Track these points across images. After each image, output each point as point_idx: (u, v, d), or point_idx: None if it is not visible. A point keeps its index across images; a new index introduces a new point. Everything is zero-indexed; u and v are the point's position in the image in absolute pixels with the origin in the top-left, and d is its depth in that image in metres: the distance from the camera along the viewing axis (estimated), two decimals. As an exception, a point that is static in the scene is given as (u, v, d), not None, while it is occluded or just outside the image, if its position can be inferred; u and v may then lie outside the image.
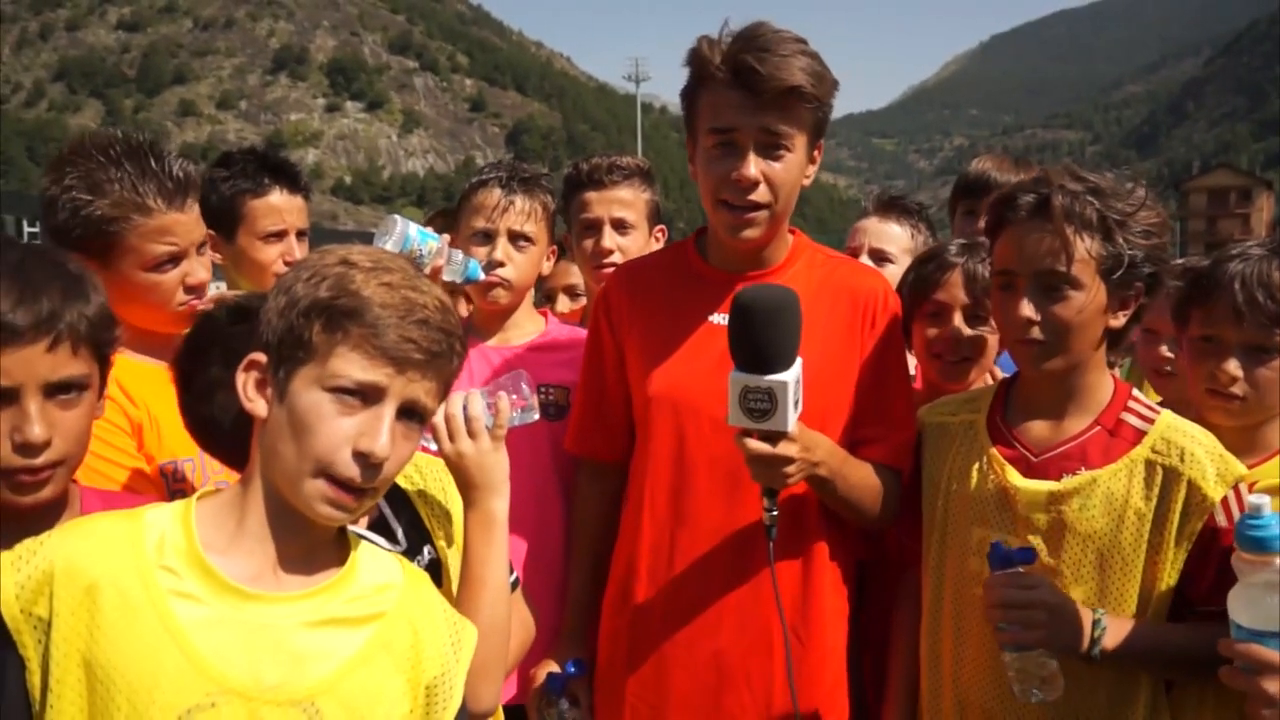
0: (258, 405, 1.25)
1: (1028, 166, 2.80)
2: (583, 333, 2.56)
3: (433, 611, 1.35)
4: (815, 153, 1.92)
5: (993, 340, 2.22)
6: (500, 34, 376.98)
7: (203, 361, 1.44)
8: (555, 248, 2.54)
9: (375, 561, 1.34)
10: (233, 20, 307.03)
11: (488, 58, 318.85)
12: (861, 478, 1.91)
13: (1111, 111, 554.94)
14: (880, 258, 2.67)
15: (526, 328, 2.51)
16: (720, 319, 1.92)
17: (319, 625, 1.23)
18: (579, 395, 2.17)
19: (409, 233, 2.12)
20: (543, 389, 2.34)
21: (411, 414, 1.25)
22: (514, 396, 1.61)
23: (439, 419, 1.55)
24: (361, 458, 1.20)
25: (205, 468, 1.92)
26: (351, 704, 1.21)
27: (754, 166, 1.81)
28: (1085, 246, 1.66)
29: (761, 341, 1.61)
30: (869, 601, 2.12)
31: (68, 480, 1.41)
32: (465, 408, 1.56)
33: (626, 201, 2.69)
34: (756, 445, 1.67)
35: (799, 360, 1.65)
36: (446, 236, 2.22)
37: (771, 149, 1.83)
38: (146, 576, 1.17)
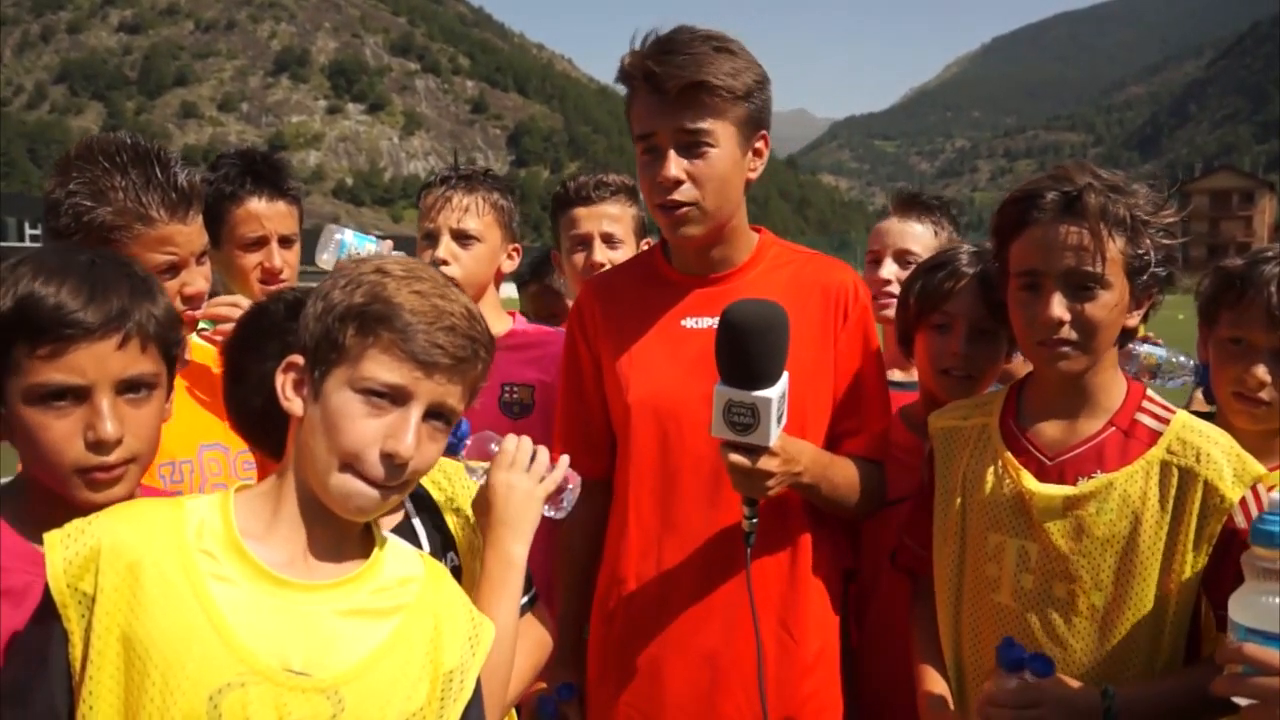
0: (294, 404, 1.30)
1: None
2: (549, 331, 2.58)
3: (454, 605, 1.39)
4: (759, 144, 1.93)
5: (1002, 358, 2.18)
6: (502, 36, 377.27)
7: (257, 355, 1.45)
8: (517, 246, 2.51)
9: (398, 555, 1.38)
10: (234, 22, 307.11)
11: (489, 59, 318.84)
12: (845, 477, 1.94)
13: (1113, 113, 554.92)
14: (905, 259, 2.58)
15: (495, 327, 2.48)
16: (692, 322, 1.96)
17: (346, 615, 1.27)
18: (560, 414, 2.16)
19: (344, 239, 2.11)
20: (507, 387, 2.40)
21: (438, 415, 1.29)
22: (562, 497, 1.62)
23: (509, 443, 1.60)
24: (387, 458, 1.24)
25: (204, 470, 1.95)
26: (373, 693, 1.25)
27: (674, 166, 1.84)
28: (1116, 246, 1.64)
29: (748, 358, 1.63)
30: (864, 611, 2.14)
31: (139, 478, 1.43)
32: (535, 451, 1.59)
33: (614, 216, 2.71)
34: (739, 459, 1.69)
35: (785, 375, 1.66)
36: (388, 242, 2.23)
37: (692, 147, 1.84)
38: (186, 559, 1.21)
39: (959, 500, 1.83)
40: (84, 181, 1.78)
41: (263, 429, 1.46)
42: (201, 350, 2.07)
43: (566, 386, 2.14)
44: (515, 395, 2.39)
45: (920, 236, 2.59)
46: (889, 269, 2.52)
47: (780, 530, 1.93)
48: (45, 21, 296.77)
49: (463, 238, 2.36)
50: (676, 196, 1.85)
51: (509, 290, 2.92)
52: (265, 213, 2.29)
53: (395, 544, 1.40)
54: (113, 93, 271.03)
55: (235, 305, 1.99)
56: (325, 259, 2.17)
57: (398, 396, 1.25)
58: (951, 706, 1.81)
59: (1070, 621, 1.68)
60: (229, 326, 1.86)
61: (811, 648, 1.96)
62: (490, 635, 1.41)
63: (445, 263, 2.33)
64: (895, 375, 2.37)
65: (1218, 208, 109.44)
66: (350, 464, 1.24)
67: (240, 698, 1.17)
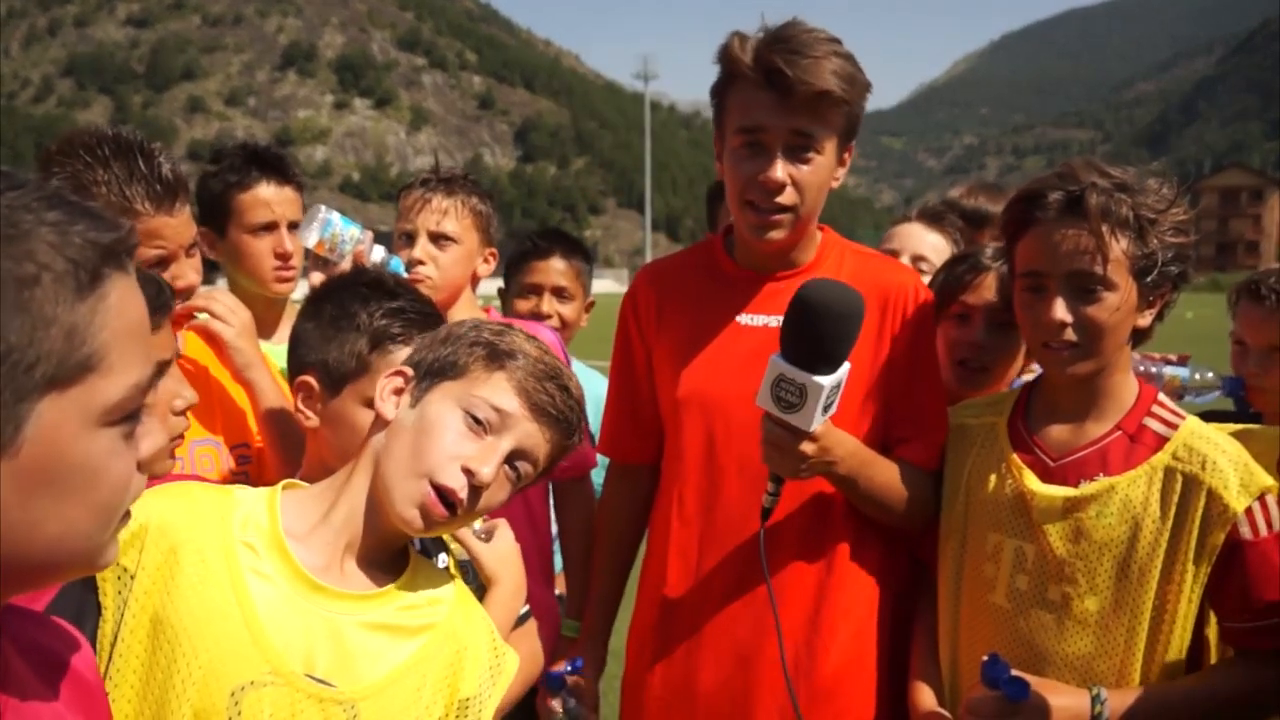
0: (387, 407, 1.32)
1: (993, 193, 2.94)
2: (515, 324, 2.90)
3: (478, 633, 1.39)
4: (845, 155, 1.92)
5: (1018, 352, 2.18)
6: (509, 31, 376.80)
7: (329, 296, 1.65)
8: (494, 250, 2.51)
9: (429, 576, 1.38)
10: (241, 16, 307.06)
11: (496, 55, 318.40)
12: (887, 479, 1.89)
13: (1122, 110, 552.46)
14: (919, 264, 2.59)
15: None
16: (748, 319, 1.94)
17: (372, 628, 1.27)
18: (611, 397, 2.17)
19: (330, 219, 2.18)
20: None
21: (516, 463, 1.31)
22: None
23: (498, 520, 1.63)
24: (468, 474, 1.26)
25: (195, 465, 1.94)
26: (388, 710, 1.25)
27: (781, 169, 1.81)
28: (1120, 247, 1.62)
29: (813, 338, 1.59)
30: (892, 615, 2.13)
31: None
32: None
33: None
34: (776, 433, 1.67)
35: (846, 366, 1.63)
36: (370, 233, 2.29)
37: (800, 151, 1.82)
38: (228, 549, 1.21)
39: (962, 498, 1.83)
40: (66, 176, 1.74)
41: (295, 341, 1.62)
42: (195, 345, 2.04)
43: (618, 370, 2.14)
44: None
45: (936, 245, 2.57)
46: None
47: (819, 531, 1.92)
48: (52, 15, 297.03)
49: (440, 239, 2.38)
50: (780, 200, 1.83)
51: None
52: (274, 198, 2.30)
53: (428, 565, 1.41)
54: (120, 87, 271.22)
55: (211, 298, 1.98)
56: (308, 236, 2.19)
57: (498, 424, 1.29)
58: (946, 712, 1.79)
59: (1063, 624, 1.67)
60: (204, 319, 1.92)
61: (845, 652, 1.92)
62: (513, 668, 1.41)
63: (421, 263, 2.34)
64: None
65: (1227, 205, 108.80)
66: (430, 474, 1.26)
67: (261, 698, 1.17)
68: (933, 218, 2.68)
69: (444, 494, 1.26)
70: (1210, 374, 2.42)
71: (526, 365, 1.31)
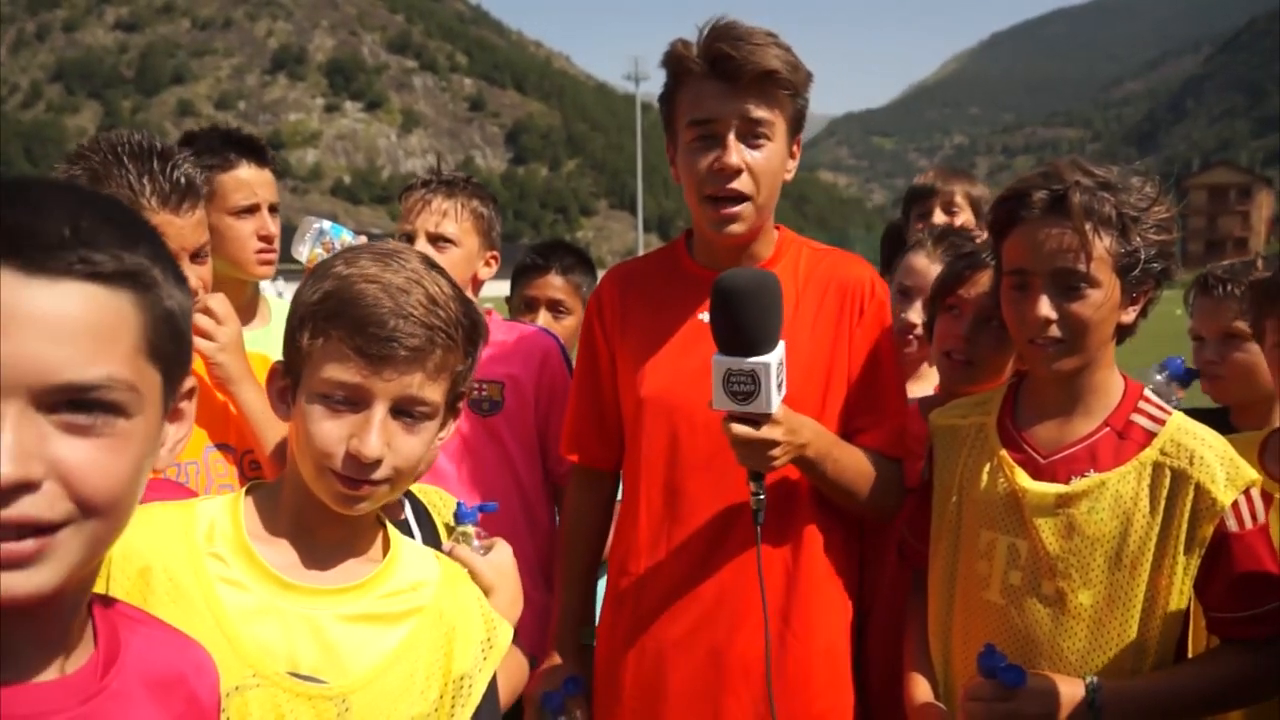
0: (279, 410, 1.31)
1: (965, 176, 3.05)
2: (518, 325, 2.60)
3: (468, 609, 1.37)
4: (795, 147, 1.94)
5: (1008, 352, 2.13)
6: (499, 33, 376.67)
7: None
8: (495, 254, 2.51)
9: (413, 558, 1.35)
10: (231, 20, 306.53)
11: (487, 57, 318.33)
12: (853, 461, 1.91)
13: (1111, 109, 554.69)
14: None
15: None
16: (708, 318, 1.88)
17: (354, 620, 1.25)
18: (573, 399, 2.15)
19: (322, 227, 2.15)
20: (476, 384, 2.38)
21: (407, 409, 1.24)
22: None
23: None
24: (352, 458, 1.21)
25: (209, 470, 1.96)
26: (381, 700, 1.24)
27: (735, 155, 1.82)
28: (1104, 244, 1.64)
29: (742, 323, 1.62)
30: (873, 609, 2.11)
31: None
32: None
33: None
34: (741, 429, 1.68)
35: (781, 343, 1.66)
36: (363, 237, 2.25)
37: (752, 137, 1.83)
38: (196, 563, 1.21)
39: (954, 498, 1.84)
40: (85, 167, 1.84)
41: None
42: None
43: (581, 373, 2.13)
44: (484, 392, 2.39)
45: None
46: (919, 313, 2.46)
47: (785, 523, 1.92)
48: (41, 20, 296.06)
49: (438, 241, 2.38)
50: (736, 186, 1.84)
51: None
52: (255, 179, 2.30)
53: (412, 546, 1.39)
54: (109, 91, 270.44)
55: (198, 314, 1.95)
56: (301, 250, 2.17)
57: (354, 397, 1.22)
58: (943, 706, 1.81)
59: (1058, 619, 1.69)
60: (202, 343, 1.91)
61: (817, 645, 1.94)
62: (507, 638, 1.40)
63: None
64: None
65: (1215, 203, 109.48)
66: (325, 465, 1.23)
67: (246, 701, 1.17)
68: (943, 249, 2.60)
69: (349, 479, 1.23)
70: (1153, 367, 2.52)
71: (353, 320, 1.20)
